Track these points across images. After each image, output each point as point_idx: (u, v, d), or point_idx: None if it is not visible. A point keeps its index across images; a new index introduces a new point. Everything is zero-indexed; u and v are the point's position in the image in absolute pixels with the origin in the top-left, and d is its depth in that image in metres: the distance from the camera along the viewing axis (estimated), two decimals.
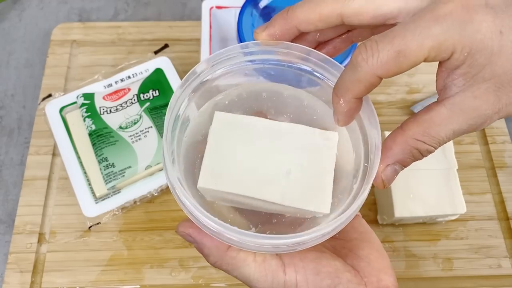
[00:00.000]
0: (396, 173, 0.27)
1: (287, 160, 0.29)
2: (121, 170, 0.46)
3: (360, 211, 0.29)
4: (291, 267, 0.27)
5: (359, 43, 0.26)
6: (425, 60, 0.23)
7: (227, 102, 0.32)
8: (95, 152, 0.47)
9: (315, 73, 0.30)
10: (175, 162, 0.28)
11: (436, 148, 0.25)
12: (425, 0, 0.24)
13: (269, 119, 0.30)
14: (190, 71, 0.30)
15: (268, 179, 0.28)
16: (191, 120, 0.31)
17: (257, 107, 0.32)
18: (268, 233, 0.28)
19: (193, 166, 0.30)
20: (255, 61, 0.31)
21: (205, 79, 0.31)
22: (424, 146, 0.25)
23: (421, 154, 0.26)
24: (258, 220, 0.30)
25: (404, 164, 0.26)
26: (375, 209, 0.48)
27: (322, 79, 0.30)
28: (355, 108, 0.26)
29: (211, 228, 0.26)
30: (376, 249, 0.30)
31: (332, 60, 0.29)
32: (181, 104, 0.30)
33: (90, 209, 0.46)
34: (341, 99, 0.26)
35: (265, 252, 0.28)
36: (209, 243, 0.28)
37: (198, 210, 0.26)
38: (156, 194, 0.47)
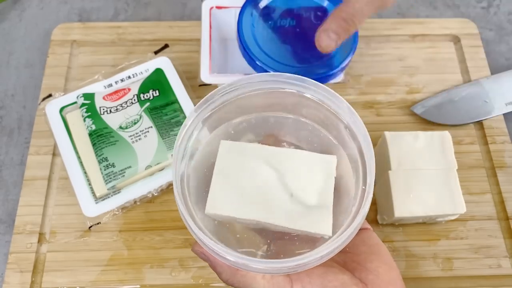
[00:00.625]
0: (329, 38, 0.37)
1: (290, 184, 0.30)
2: (121, 170, 0.46)
3: None
4: (298, 283, 0.28)
5: None
6: None
7: (233, 131, 0.34)
8: (95, 152, 0.47)
9: (312, 97, 0.33)
10: (184, 189, 0.31)
11: (354, 19, 0.37)
12: None
13: (276, 139, 0.33)
14: (201, 100, 0.32)
15: (272, 204, 0.29)
16: (200, 149, 0.33)
17: (264, 133, 0.34)
18: (274, 250, 0.30)
19: (204, 192, 0.31)
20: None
21: (215, 108, 0.33)
22: (343, 15, 0.37)
23: (346, 23, 0.36)
24: (269, 236, 0.31)
25: (333, 31, 0.37)
26: (375, 209, 0.48)
27: (319, 102, 0.33)
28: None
29: (219, 253, 0.28)
30: (385, 261, 0.31)
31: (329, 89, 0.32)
32: (191, 132, 0.32)
33: (90, 209, 0.46)
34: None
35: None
36: (221, 262, 0.30)
37: (206, 240, 0.28)
38: (156, 194, 0.47)
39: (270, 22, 0.46)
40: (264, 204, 0.29)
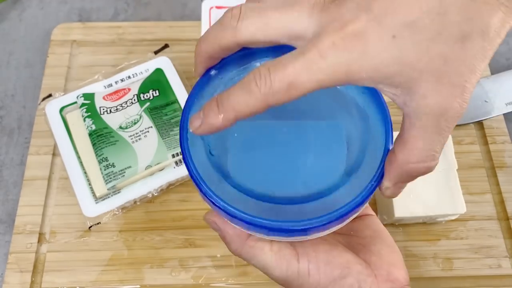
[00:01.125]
0: (401, 188, 0.27)
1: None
2: (121, 170, 0.46)
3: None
4: (304, 256, 0.29)
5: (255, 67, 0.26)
6: (322, 87, 0.23)
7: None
8: (95, 152, 0.47)
9: None
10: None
11: (434, 161, 0.25)
12: (312, 26, 0.24)
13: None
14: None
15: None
16: None
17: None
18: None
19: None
20: None
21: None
22: (419, 166, 0.25)
23: (422, 173, 0.26)
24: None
25: (406, 182, 0.27)
26: (375, 209, 0.48)
27: None
28: (222, 127, 0.24)
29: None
30: (388, 245, 0.32)
31: None
32: None
33: (90, 209, 0.46)
34: (222, 115, 0.24)
35: (279, 239, 0.29)
36: (231, 231, 0.30)
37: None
38: (156, 194, 0.47)
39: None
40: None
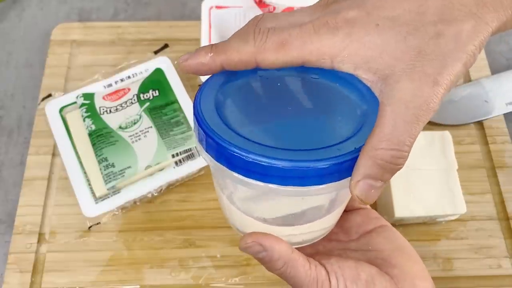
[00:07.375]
0: (372, 187, 0.25)
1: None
2: (121, 170, 0.46)
3: None
4: (333, 274, 0.29)
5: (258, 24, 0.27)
6: (307, 62, 0.25)
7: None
8: (95, 152, 0.47)
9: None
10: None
11: (403, 151, 0.24)
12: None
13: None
14: None
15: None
16: None
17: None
18: None
19: None
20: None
21: None
22: (386, 153, 0.24)
23: (391, 163, 0.24)
24: None
25: (377, 178, 0.25)
26: (375, 209, 0.48)
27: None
28: (206, 69, 0.26)
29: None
30: (409, 256, 0.32)
31: None
32: None
33: (90, 209, 0.46)
34: (211, 54, 0.26)
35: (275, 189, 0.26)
36: (277, 247, 0.28)
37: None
38: (156, 194, 0.47)
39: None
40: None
